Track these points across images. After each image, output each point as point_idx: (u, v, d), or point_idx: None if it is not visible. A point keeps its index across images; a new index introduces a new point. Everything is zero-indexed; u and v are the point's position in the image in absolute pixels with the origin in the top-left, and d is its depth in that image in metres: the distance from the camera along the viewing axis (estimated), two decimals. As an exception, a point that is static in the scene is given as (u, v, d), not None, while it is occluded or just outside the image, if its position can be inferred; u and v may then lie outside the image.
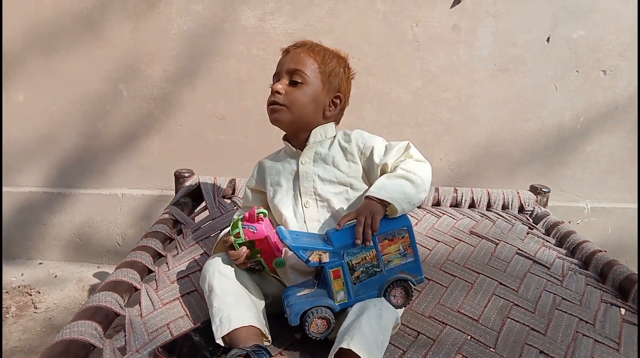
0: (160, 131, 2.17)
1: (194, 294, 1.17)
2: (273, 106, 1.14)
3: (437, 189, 1.76)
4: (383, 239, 0.99)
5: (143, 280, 1.19)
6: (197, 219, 1.58)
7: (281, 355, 0.96)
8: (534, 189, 1.83)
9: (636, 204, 2.25)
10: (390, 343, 0.96)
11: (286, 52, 1.19)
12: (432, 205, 1.75)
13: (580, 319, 1.15)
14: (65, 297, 1.96)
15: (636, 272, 1.31)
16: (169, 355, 0.91)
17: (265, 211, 1.08)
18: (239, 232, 1.04)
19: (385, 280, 1.01)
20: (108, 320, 1.00)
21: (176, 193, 1.69)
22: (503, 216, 1.70)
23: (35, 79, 2.11)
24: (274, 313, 1.06)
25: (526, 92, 2.14)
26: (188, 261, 1.31)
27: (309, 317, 0.94)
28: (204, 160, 2.16)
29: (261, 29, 2.07)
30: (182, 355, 0.93)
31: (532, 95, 2.15)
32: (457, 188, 1.78)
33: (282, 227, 1.01)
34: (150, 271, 1.24)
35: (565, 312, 1.17)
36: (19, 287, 2.00)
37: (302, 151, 1.18)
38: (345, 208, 1.12)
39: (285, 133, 1.22)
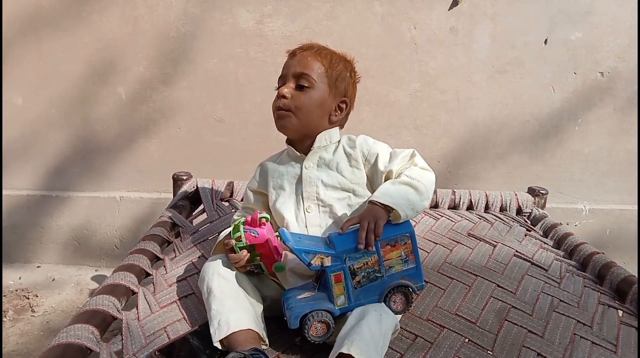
0: (158, 133, 2.17)
1: (192, 297, 1.16)
2: (280, 111, 1.13)
3: (435, 192, 1.76)
4: (385, 244, 0.99)
5: (140, 283, 1.19)
6: (195, 222, 1.58)
7: (278, 357, 0.97)
8: (532, 191, 1.83)
9: (634, 206, 2.25)
10: (388, 346, 0.96)
11: (292, 54, 1.18)
12: (430, 207, 1.75)
13: (578, 321, 1.14)
14: (63, 300, 1.95)
15: (634, 274, 1.31)
16: (166, 359, 0.91)
17: (268, 216, 1.08)
18: (241, 236, 1.03)
19: (386, 286, 1.01)
20: (105, 323, 0.99)
21: (174, 195, 1.69)
22: (501, 218, 1.70)
23: (33, 81, 2.11)
24: (272, 316, 1.06)
25: (524, 94, 2.15)
26: (186, 264, 1.31)
27: (309, 320, 0.94)
28: (203, 163, 2.16)
29: (259, 31, 2.07)
30: (179, 358, 0.93)
31: (530, 97, 2.15)
32: (455, 190, 1.78)
33: (285, 229, 1.01)
34: (148, 274, 1.23)
35: (563, 314, 1.17)
36: (16, 290, 2.00)
37: (305, 155, 1.18)
38: (347, 214, 1.12)
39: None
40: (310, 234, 1.11)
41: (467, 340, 1.05)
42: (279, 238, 1.06)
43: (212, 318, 0.97)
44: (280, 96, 1.12)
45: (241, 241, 1.03)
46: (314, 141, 1.16)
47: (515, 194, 1.80)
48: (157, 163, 2.18)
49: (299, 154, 1.18)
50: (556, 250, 1.52)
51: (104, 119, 2.14)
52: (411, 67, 2.11)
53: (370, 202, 1.03)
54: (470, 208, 1.77)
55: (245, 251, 1.04)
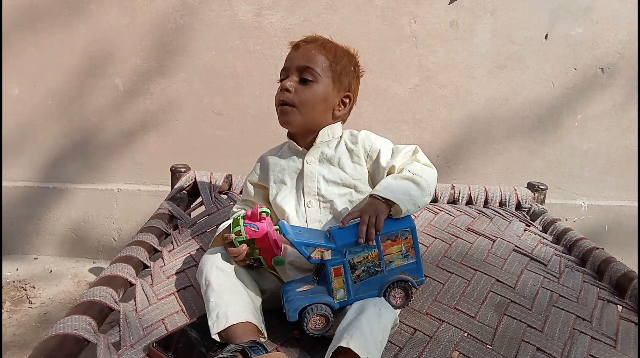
0: (156, 126, 2.15)
1: (190, 289, 1.16)
2: (283, 106, 1.11)
3: (434, 186, 1.76)
4: (386, 239, 0.99)
5: (138, 275, 1.18)
6: (193, 214, 1.57)
7: (277, 351, 0.96)
8: (531, 187, 1.83)
9: (632, 203, 2.25)
10: (387, 340, 0.96)
11: (296, 47, 1.16)
12: (430, 202, 1.75)
13: (577, 316, 1.14)
14: (60, 292, 1.94)
15: (633, 270, 1.31)
16: (163, 351, 0.91)
17: (268, 211, 1.07)
18: (240, 230, 1.03)
19: (385, 280, 1.00)
20: (102, 315, 0.99)
21: (172, 188, 1.68)
22: (500, 213, 1.69)
23: (30, 72, 2.09)
24: (271, 308, 1.05)
25: (524, 89, 2.14)
26: (184, 257, 1.30)
27: (308, 314, 0.94)
28: (201, 155, 2.15)
29: (258, 24, 2.05)
30: (177, 350, 0.92)
31: (529, 92, 2.14)
32: (454, 185, 1.78)
33: (285, 222, 1.00)
34: (146, 266, 1.23)
35: (562, 309, 1.17)
36: (13, 282, 1.99)
37: (307, 149, 1.16)
38: (349, 209, 1.11)
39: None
40: None
41: (466, 334, 1.05)
42: (278, 232, 1.06)
43: (211, 310, 0.97)
44: (284, 90, 1.10)
45: (241, 235, 1.03)
46: (316, 136, 1.15)
47: (515, 190, 1.79)
48: (155, 155, 2.17)
49: (300, 148, 1.17)
50: (555, 245, 1.52)
51: (102, 111, 2.13)
52: (411, 61, 2.10)
53: (372, 196, 1.02)
54: (469, 202, 1.76)
55: (244, 245, 1.03)
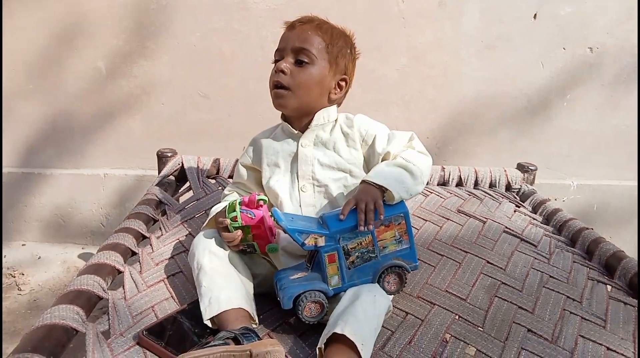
0: (141, 110, 2.11)
1: (179, 276, 1.14)
2: (278, 89, 1.08)
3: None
4: (379, 225, 0.98)
5: (126, 263, 1.16)
6: (181, 200, 1.55)
7: (269, 337, 0.95)
8: (520, 167, 1.83)
9: (620, 182, 2.26)
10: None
11: (291, 27, 1.12)
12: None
13: (568, 297, 1.15)
14: (49, 278, 1.92)
15: (622, 249, 1.32)
16: (154, 339, 0.90)
17: (266, 199, 1.05)
18: (236, 216, 1.01)
19: (379, 266, 0.99)
20: (90, 303, 0.97)
21: (159, 173, 1.65)
22: (490, 195, 1.69)
23: (6, 55, 2.03)
24: (263, 292, 1.05)
25: (512, 69, 2.12)
26: (173, 243, 1.28)
27: (302, 301, 0.93)
28: (187, 140, 2.12)
29: (243, 4, 2.00)
30: (168, 337, 0.91)
31: (518, 72, 2.13)
32: (444, 166, 1.77)
33: (277, 209, 0.99)
34: (134, 253, 1.21)
35: (553, 290, 1.17)
36: (2, 269, 1.96)
37: (302, 132, 1.14)
38: (343, 194, 1.10)
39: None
40: (304, 214, 1.09)
41: (457, 316, 1.05)
42: (272, 218, 1.04)
43: (203, 295, 0.96)
44: (279, 71, 1.07)
45: (237, 221, 1.01)
46: (311, 119, 1.13)
47: (505, 170, 1.79)
48: (140, 139, 2.13)
49: (295, 131, 1.14)
50: (545, 226, 1.52)
51: (84, 95, 2.08)
52: (399, 41, 2.07)
53: (364, 182, 1.01)
54: (459, 184, 1.76)
55: (239, 231, 1.02)
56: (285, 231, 0.95)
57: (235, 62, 2.06)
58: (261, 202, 1.03)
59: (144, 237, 1.29)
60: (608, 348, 0.99)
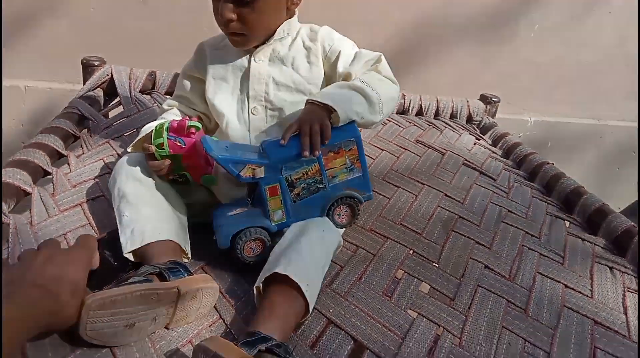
0: (67, 14, 1.83)
1: (101, 200, 0.99)
2: (233, 37, 0.91)
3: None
4: (327, 152, 0.84)
5: (36, 183, 0.99)
6: (110, 116, 1.35)
7: (203, 272, 0.84)
8: (484, 99, 1.73)
9: (578, 119, 2.24)
10: (329, 261, 0.86)
11: None
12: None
13: (526, 232, 1.09)
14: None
15: (582, 185, 1.27)
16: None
17: (199, 125, 0.88)
18: (163, 143, 0.85)
19: (329, 198, 0.88)
20: (-15, 229, 0.82)
21: (84, 84, 1.44)
22: (450, 126, 1.60)
23: None
24: (200, 223, 0.91)
25: (482, -5, 1.98)
26: (95, 162, 1.11)
27: (241, 240, 0.82)
28: (121, 50, 1.86)
29: None
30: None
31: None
32: (404, 93, 1.65)
33: (208, 136, 0.84)
34: (47, 173, 1.04)
35: (511, 225, 1.11)
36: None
37: (256, 47, 0.96)
38: None
39: None
40: (252, 140, 0.94)
41: (412, 251, 0.97)
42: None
43: (124, 226, 0.82)
44: (225, 22, 0.87)
45: (163, 148, 0.85)
46: (271, 34, 0.95)
47: (467, 101, 1.69)
48: (67, 48, 1.86)
49: None
50: (505, 160, 1.46)
51: (-1, -9, 1.78)
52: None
53: (309, 102, 0.85)
54: (419, 113, 1.65)
55: (167, 160, 0.87)
56: (217, 162, 0.80)
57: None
58: (193, 129, 0.87)
59: (61, 155, 1.11)
60: (566, 286, 0.94)
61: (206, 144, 0.81)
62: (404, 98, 1.63)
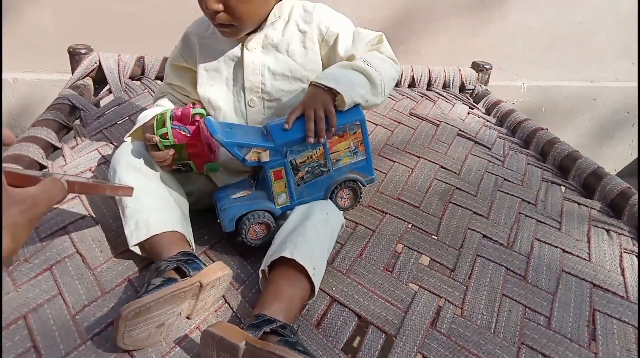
0: (50, 2, 1.80)
1: (99, 191, 0.99)
2: (221, 28, 0.86)
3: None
4: (332, 135, 0.84)
5: (33, 178, 0.99)
6: (101, 105, 1.34)
7: (206, 256, 0.85)
8: (475, 67, 1.72)
9: (571, 83, 2.22)
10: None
11: None
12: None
13: (522, 200, 1.10)
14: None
15: (577, 149, 1.28)
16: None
17: (203, 112, 0.87)
18: (167, 132, 0.85)
19: (332, 181, 0.88)
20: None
21: (73, 73, 1.42)
22: (443, 96, 1.59)
23: None
24: (199, 209, 0.92)
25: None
26: (90, 153, 1.11)
27: (246, 223, 0.82)
28: (107, 36, 1.84)
29: None
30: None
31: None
32: (396, 66, 1.63)
33: (212, 119, 0.82)
34: (42, 166, 1.03)
35: (507, 193, 1.12)
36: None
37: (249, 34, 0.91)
38: None
39: None
40: None
41: (410, 225, 0.98)
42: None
43: (128, 217, 0.82)
44: (212, 15, 0.82)
45: (167, 138, 0.85)
46: (264, 20, 0.90)
47: (459, 70, 1.68)
48: (53, 37, 1.84)
49: None
50: (499, 128, 1.46)
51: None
52: None
53: (312, 85, 0.83)
54: (412, 85, 1.64)
55: (171, 150, 0.86)
56: (222, 145, 0.80)
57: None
58: (197, 116, 0.86)
59: (55, 148, 1.11)
60: (564, 251, 0.96)
61: (211, 126, 0.79)
62: (396, 71, 1.62)
